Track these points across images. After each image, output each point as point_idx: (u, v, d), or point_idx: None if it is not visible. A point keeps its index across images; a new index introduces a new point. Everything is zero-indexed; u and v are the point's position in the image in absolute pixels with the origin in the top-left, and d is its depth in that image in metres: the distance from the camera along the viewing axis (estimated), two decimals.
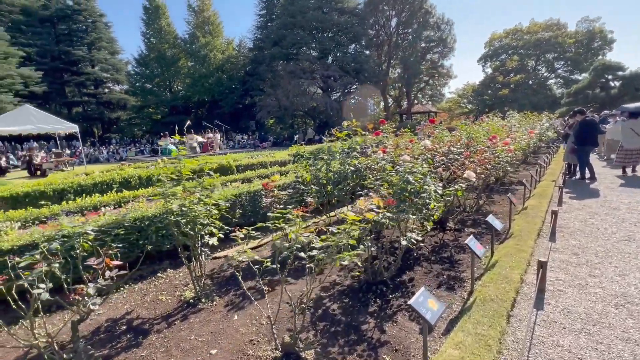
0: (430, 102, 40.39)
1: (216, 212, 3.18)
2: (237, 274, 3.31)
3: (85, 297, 2.13)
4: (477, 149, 5.30)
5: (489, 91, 41.59)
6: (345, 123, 5.06)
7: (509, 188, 7.94)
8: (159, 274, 3.92)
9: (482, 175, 4.75)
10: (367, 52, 36.06)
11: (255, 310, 3.13)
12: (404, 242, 3.02)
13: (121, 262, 2.28)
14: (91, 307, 2.08)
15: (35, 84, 36.72)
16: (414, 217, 3.31)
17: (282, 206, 4.12)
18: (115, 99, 43.14)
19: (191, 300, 3.28)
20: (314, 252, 2.28)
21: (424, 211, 3.74)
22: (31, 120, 12.66)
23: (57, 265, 1.96)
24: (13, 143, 30.51)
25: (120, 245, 3.20)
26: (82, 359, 2.47)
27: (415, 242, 3.04)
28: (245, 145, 29.39)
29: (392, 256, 4.17)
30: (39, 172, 14.49)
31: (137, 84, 41.38)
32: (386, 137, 6.34)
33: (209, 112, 42.41)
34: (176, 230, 3.02)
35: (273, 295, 3.44)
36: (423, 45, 35.61)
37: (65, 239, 2.23)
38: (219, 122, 29.39)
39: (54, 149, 17.67)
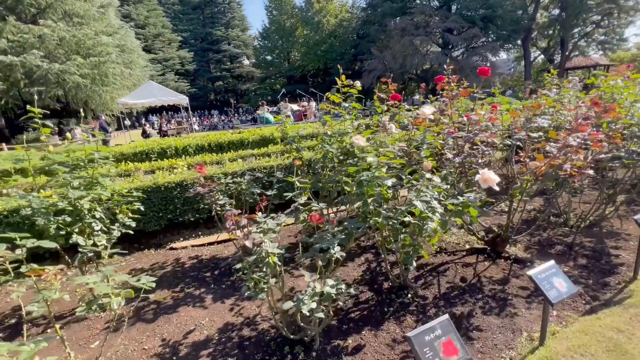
0: (601, 52, 29.40)
1: (85, 208, 2.46)
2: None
3: None
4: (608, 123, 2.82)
5: None
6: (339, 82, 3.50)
7: None
8: None
9: (589, 172, 2.44)
10: None
11: (126, 344, 2.38)
12: (304, 309, 1.61)
13: None
14: None
15: (188, 63, 44.74)
16: (341, 252, 1.79)
17: (220, 198, 3.13)
18: (245, 72, 48.58)
19: (76, 311, 2.78)
20: None
21: (401, 236, 2.13)
22: (154, 93, 15.06)
23: None
24: (171, 113, 38.52)
25: None
26: None
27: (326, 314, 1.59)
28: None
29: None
30: (165, 137, 17.51)
31: (261, 57, 45.10)
32: (434, 102, 4.36)
33: (322, 79, 42.94)
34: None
35: (177, 316, 2.59)
36: None
37: None
38: (329, 89, 29.00)
39: (176, 119, 20.97)
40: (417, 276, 2.91)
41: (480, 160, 2.75)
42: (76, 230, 2.47)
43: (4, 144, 13.99)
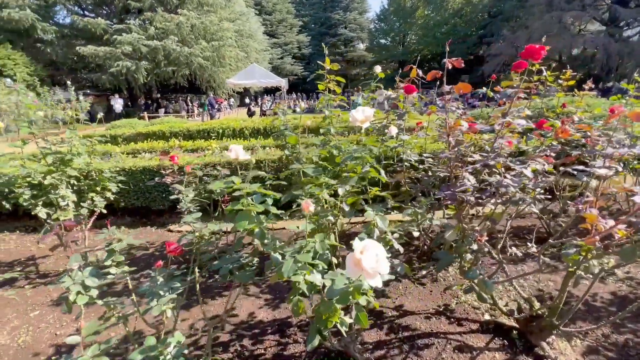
0: None
1: (47, 183, 2.53)
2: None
3: None
4: None
5: None
6: None
7: None
8: None
9: None
10: None
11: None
12: None
13: None
14: None
15: (305, 47, 46.92)
16: (169, 305, 1.26)
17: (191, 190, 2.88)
18: (356, 57, 48.14)
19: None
20: None
21: (295, 297, 1.48)
22: (255, 75, 16.21)
23: None
24: (283, 94, 41.42)
25: None
26: None
27: None
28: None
29: None
30: (264, 116, 18.93)
31: (375, 41, 43.77)
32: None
33: (439, 65, 38.96)
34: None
35: None
36: None
37: None
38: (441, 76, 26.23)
39: (277, 100, 22.25)
40: (380, 342, 2.08)
41: (498, 200, 1.68)
42: (40, 203, 2.60)
43: (145, 114, 17.49)
